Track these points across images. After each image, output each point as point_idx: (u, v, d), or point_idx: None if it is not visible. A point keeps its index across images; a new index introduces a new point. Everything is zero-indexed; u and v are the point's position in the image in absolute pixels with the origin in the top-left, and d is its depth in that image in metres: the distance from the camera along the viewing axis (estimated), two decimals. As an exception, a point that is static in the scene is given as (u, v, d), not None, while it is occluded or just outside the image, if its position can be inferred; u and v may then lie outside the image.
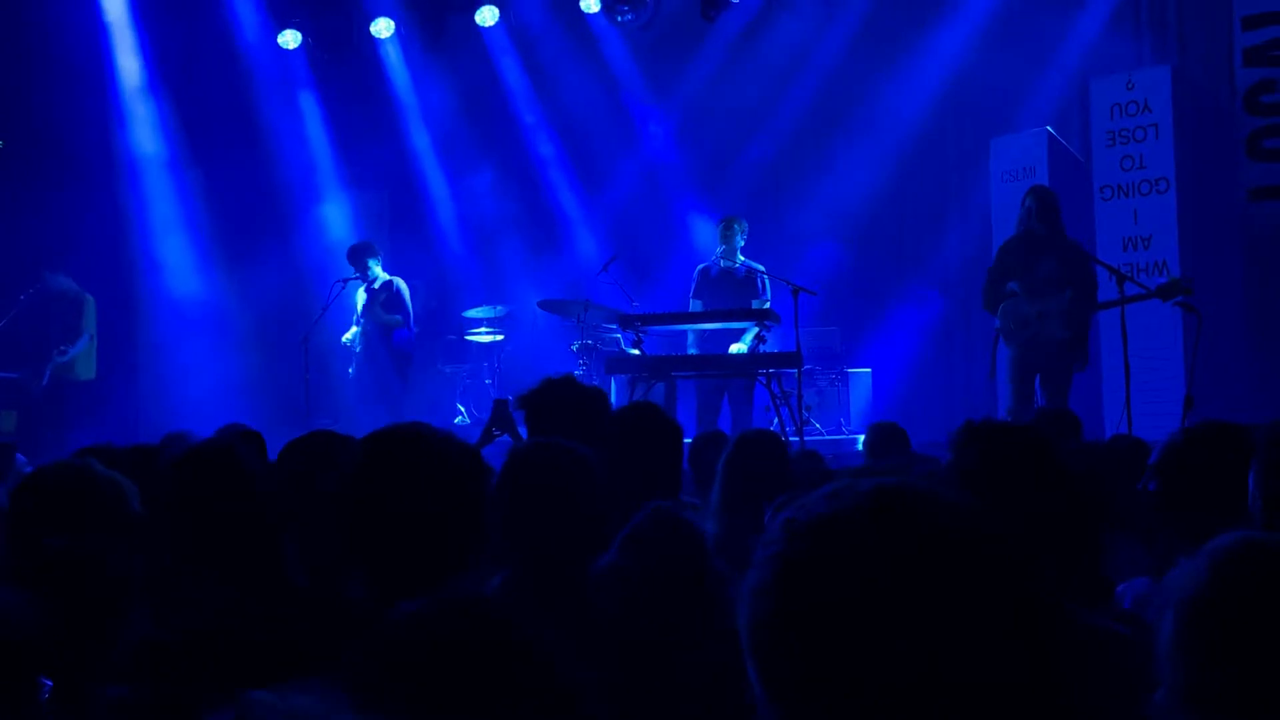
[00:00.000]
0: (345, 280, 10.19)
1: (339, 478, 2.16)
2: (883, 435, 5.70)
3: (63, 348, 10.18)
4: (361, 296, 10.28)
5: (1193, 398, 7.35)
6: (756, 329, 8.63)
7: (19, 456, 6.31)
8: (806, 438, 8.62)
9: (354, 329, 10.24)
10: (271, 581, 2.46)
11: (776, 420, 8.32)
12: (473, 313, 11.53)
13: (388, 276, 10.36)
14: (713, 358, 8.82)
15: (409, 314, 10.33)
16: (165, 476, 2.58)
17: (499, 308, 11.43)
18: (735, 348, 8.81)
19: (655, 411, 3.83)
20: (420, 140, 12.79)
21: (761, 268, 9.21)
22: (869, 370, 11.16)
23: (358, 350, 10.23)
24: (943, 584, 0.96)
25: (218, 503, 2.50)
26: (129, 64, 11.82)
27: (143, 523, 3.01)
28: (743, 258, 9.19)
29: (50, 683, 2.25)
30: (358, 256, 10.25)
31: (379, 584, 2.06)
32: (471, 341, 11.57)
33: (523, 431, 4.16)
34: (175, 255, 11.90)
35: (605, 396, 4.14)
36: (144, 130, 11.87)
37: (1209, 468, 2.86)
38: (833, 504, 1.03)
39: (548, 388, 3.99)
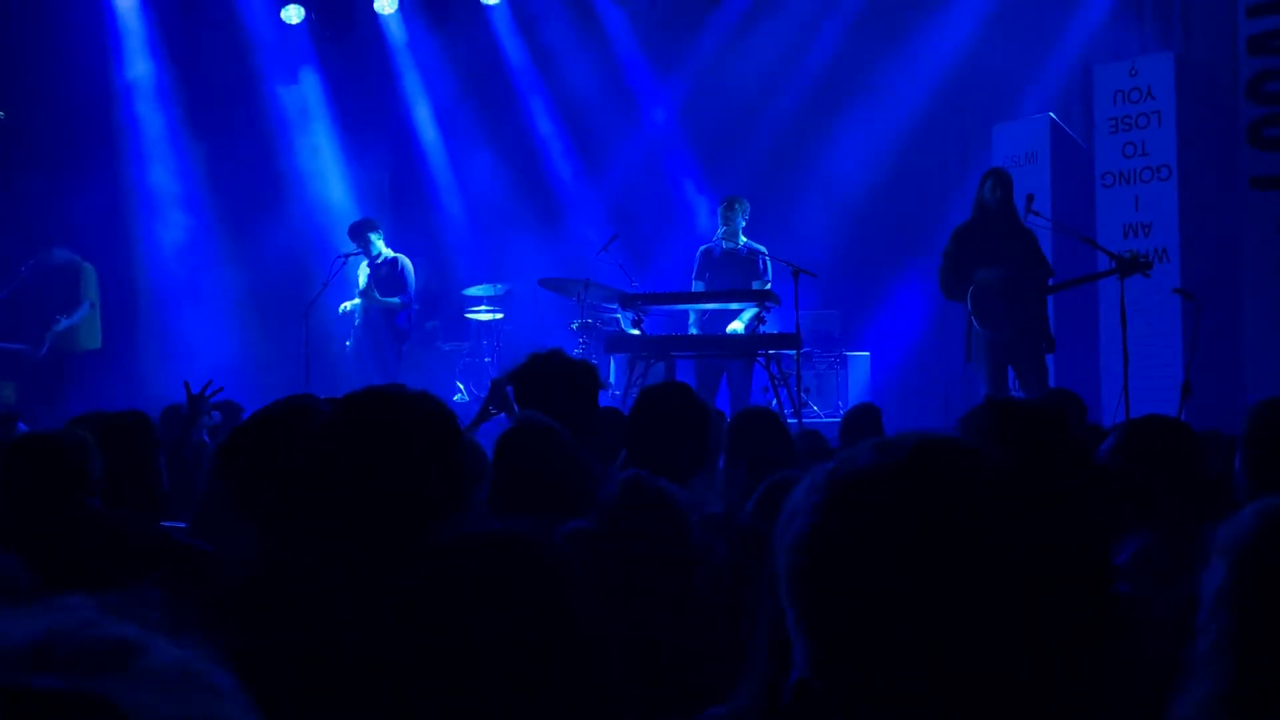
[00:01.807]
0: (347, 255, 10.19)
1: (312, 440, 2.17)
2: (858, 417, 5.72)
3: (59, 316, 10.19)
4: (365, 271, 10.28)
5: (1190, 385, 7.37)
6: (756, 309, 8.64)
7: (20, 425, 6.33)
8: (804, 420, 8.64)
9: (355, 300, 10.25)
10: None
11: (775, 401, 8.34)
12: (473, 290, 11.54)
13: (391, 254, 10.35)
14: (712, 338, 8.83)
15: (410, 294, 10.33)
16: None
17: (499, 286, 11.43)
18: (732, 326, 8.83)
19: (681, 394, 3.81)
20: (422, 117, 12.78)
21: (763, 249, 9.22)
22: (867, 354, 11.19)
23: (357, 323, 10.24)
24: (978, 542, 0.97)
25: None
26: (132, 37, 11.81)
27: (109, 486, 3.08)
28: (745, 238, 9.20)
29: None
30: (359, 232, 10.25)
31: (357, 544, 2.05)
32: (471, 319, 11.58)
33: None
34: (177, 228, 11.90)
35: (595, 370, 4.13)
36: (146, 103, 11.85)
37: (1148, 459, 2.93)
38: (876, 457, 1.03)
39: (535, 363, 4.00)
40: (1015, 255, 7.83)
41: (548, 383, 3.92)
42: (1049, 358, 7.98)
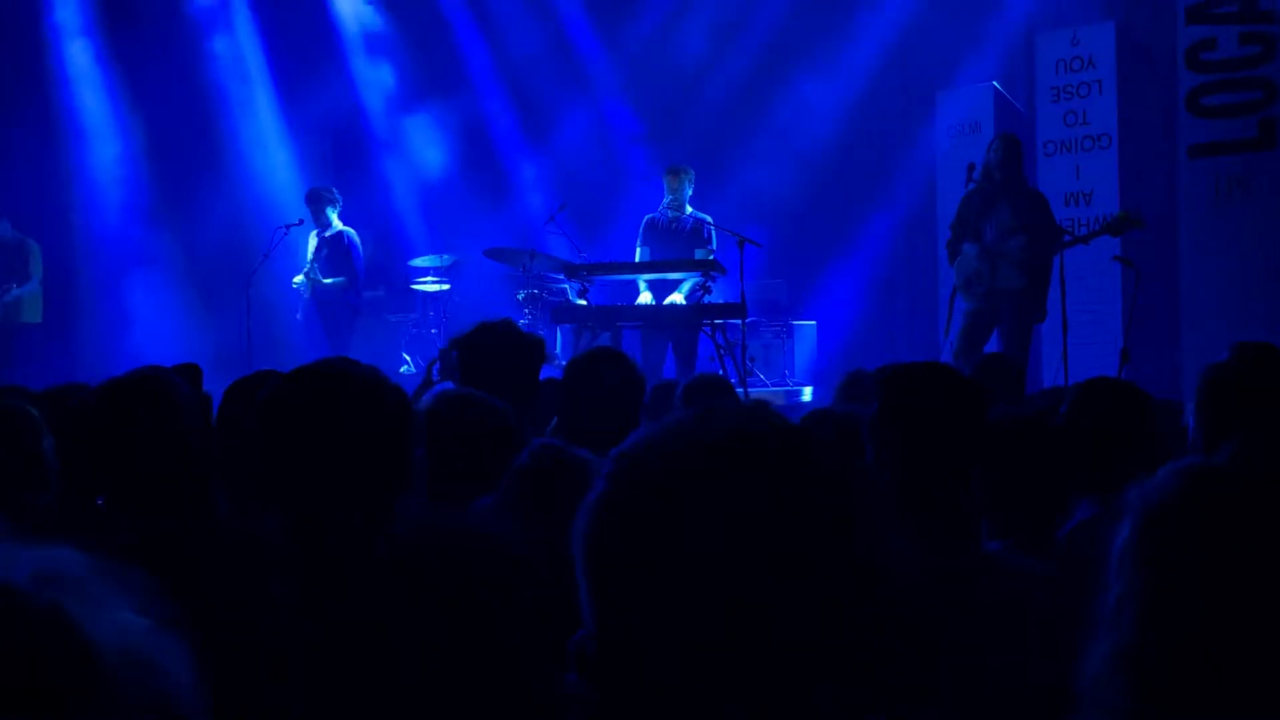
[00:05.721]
0: (289, 226, 10.05)
1: (254, 411, 2.11)
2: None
3: (10, 285, 10.11)
4: (313, 242, 10.17)
5: (1129, 351, 7.47)
6: (698, 279, 8.65)
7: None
8: (751, 389, 8.68)
9: (303, 276, 10.13)
10: (194, 514, 2.47)
11: (721, 370, 8.36)
12: (419, 261, 11.46)
13: (340, 228, 10.24)
14: (658, 308, 8.84)
15: (355, 272, 10.19)
16: (91, 404, 2.58)
17: (445, 257, 11.36)
18: (673, 297, 8.85)
19: (613, 359, 3.76)
20: (367, 86, 12.65)
21: (709, 218, 9.22)
22: (814, 323, 11.24)
23: (306, 297, 10.13)
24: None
25: (144, 430, 2.49)
26: (66, 5, 11.59)
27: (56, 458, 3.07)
28: (690, 208, 9.20)
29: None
30: (318, 202, 10.10)
31: (294, 520, 2.01)
32: (417, 290, 11.51)
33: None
34: (116, 199, 11.72)
35: (543, 344, 4.10)
36: (83, 73, 11.65)
37: (1101, 420, 2.94)
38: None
39: (483, 331, 3.95)
40: (1004, 222, 7.85)
41: (492, 352, 3.89)
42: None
